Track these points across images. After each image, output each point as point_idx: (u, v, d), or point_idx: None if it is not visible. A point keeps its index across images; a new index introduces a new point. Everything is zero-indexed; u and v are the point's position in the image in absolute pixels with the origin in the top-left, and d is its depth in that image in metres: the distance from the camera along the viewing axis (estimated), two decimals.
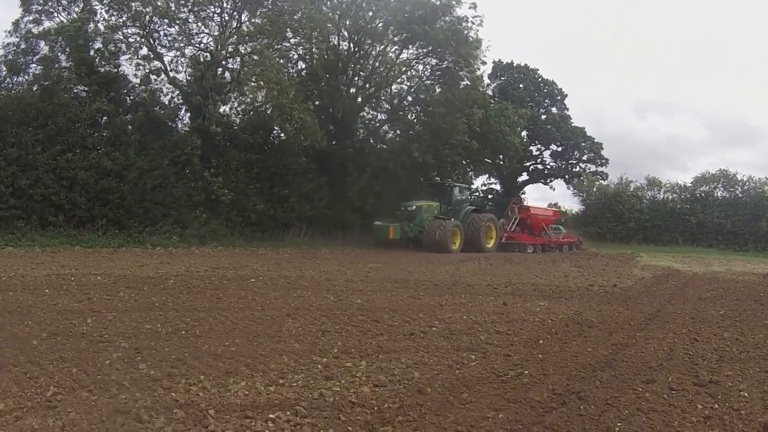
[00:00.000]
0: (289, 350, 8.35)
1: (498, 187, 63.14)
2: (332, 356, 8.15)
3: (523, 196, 65.67)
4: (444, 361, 8.08)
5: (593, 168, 62.49)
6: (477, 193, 58.49)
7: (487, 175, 61.30)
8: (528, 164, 64.12)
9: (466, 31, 37.21)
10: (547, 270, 22.58)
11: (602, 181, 57.47)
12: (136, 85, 32.55)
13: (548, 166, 64.74)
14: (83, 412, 5.81)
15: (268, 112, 33.31)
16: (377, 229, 34.65)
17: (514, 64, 63.97)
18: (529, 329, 10.45)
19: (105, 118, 29.97)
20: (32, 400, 6.11)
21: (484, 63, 41.07)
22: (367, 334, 9.60)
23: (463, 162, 45.93)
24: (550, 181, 65.40)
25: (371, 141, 41.32)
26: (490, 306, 12.91)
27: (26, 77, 30.38)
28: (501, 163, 58.51)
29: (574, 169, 63.38)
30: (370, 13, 36.67)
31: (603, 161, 62.22)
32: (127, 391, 6.46)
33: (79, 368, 7.18)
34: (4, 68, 29.65)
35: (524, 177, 65.51)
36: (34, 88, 29.44)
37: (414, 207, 35.42)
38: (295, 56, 37.63)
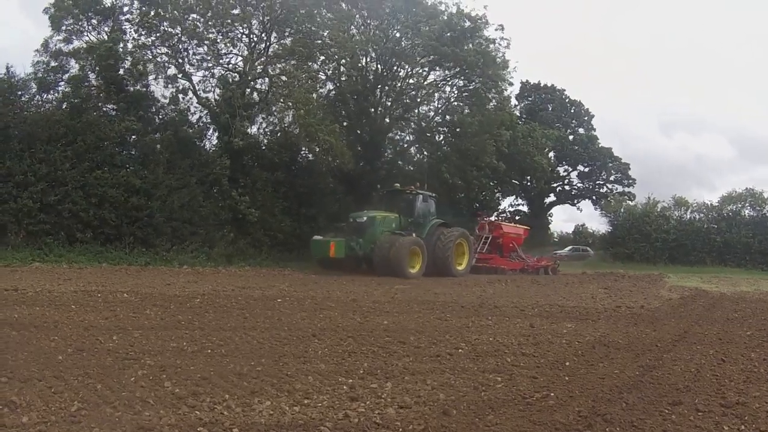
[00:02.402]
0: (314, 371, 8.30)
1: (525, 208, 63.17)
2: (358, 377, 8.08)
3: (550, 218, 65.80)
4: (470, 383, 7.99)
5: (620, 188, 62.60)
6: (504, 214, 58.50)
7: (514, 196, 61.31)
8: (555, 185, 64.32)
9: (494, 53, 37.34)
10: (574, 291, 22.37)
11: (629, 202, 57.19)
12: (165, 104, 32.93)
13: (575, 187, 64.89)
14: (107, 428, 5.80)
15: (296, 132, 33.38)
16: (315, 245, 28.80)
17: (541, 85, 64.15)
18: (555, 351, 10.34)
19: (134, 136, 30.24)
20: (56, 414, 6.11)
21: (511, 84, 41.19)
22: (393, 356, 9.52)
23: (491, 183, 45.74)
24: (578, 202, 65.53)
25: (399, 162, 41.40)
26: (516, 328, 12.78)
27: (56, 95, 30.83)
28: (528, 184, 58.55)
29: (601, 190, 63.50)
30: (398, 34, 36.87)
31: (630, 181, 62.23)
32: (151, 408, 6.45)
33: (104, 384, 7.18)
34: (34, 85, 30.00)
35: (551, 198, 65.61)
36: (64, 106, 29.85)
37: (365, 218, 29.21)
38: (323, 77, 37.78)
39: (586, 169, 63.76)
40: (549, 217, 66.80)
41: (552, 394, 7.50)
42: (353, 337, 10.81)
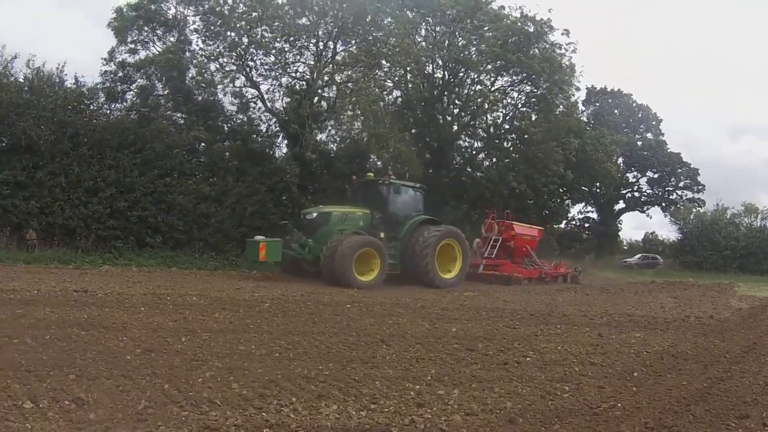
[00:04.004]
0: (382, 376, 8.32)
1: (595, 215, 62.45)
2: (425, 383, 8.07)
3: (619, 225, 64.72)
4: (537, 391, 7.96)
5: (690, 195, 61.54)
6: (573, 222, 57.89)
7: (583, 203, 60.57)
8: (624, 192, 63.38)
9: (560, 58, 37.00)
10: (643, 300, 21.94)
11: (699, 209, 56.19)
12: (233, 113, 33.18)
13: (645, 194, 63.91)
14: (173, 426, 5.86)
15: (365, 140, 33.37)
16: (250, 247, 24.30)
17: (608, 89, 63.23)
18: (623, 361, 10.22)
19: (203, 144, 30.68)
20: (123, 412, 6.22)
21: (578, 89, 40.77)
22: (461, 363, 9.50)
23: (560, 191, 45.16)
24: (647, 209, 64.53)
25: (468, 169, 41.06)
26: (585, 337, 12.63)
27: (124, 103, 31.49)
28: (597, 191, 57.83)
29: (670, 197, 62.41)
30: (464, 41, 36.67)
31: (700, 188, 61.12)
32: (218, 408, 6.50)
33: (171, 384, 7.26)
34: (102, 94, 30.66)
35: (621, 205, 64.73)
36: (132, 114, 30.47)
37: (315, 215, 24.58)
38: (390, 84, 37.72)
39: (656, 175, 62.78)
40: (619, 225, 65.96)
41: (619, 405, 7.43)
42: (421, 344, 10.80)
